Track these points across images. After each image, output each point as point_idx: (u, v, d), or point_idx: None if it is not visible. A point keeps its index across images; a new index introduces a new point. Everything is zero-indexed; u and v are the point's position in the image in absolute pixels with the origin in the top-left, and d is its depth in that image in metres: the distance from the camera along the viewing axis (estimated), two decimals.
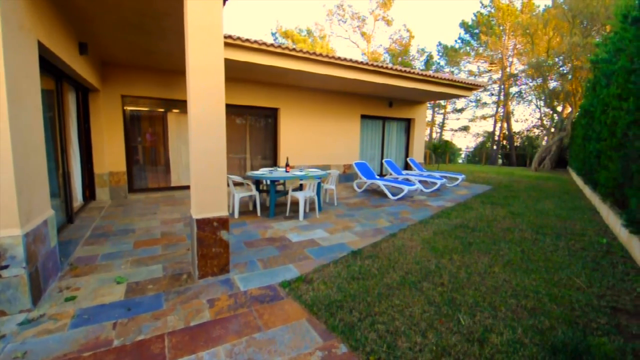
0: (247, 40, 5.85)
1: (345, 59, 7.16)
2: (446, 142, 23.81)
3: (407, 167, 11.83)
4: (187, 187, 7.56)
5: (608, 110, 5.27)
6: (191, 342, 2.12)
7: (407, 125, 12.15)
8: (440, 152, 20.01)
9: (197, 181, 2.99)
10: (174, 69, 6.84)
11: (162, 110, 7.39)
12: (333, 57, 6.97)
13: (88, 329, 2.26)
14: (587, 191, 8.05)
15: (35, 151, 2.80)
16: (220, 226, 3.09)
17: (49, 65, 4.06)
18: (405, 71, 8.25)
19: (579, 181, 10.16)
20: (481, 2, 25.89)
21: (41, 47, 3.27)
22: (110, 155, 6.65)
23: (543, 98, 21.45)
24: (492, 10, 25.37)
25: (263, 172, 5.99)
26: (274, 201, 5.53)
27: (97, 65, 6.06)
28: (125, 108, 6.89)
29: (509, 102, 25.76)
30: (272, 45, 6.14)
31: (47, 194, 3.04)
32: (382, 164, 11.47)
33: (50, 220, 3.01)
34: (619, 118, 4.52)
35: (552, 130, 20.50)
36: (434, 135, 32.26)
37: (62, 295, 2.70)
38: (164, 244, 4.06)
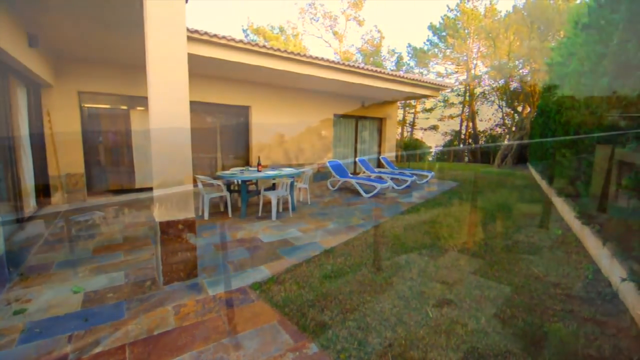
0: (215, 35, 5.67)
1: (318, 58, 7.14)
2: (416, 140, 24.55)
3: (379, 165, 12.03)
4: None
5: (562, 110, 5.64)
6: (154, 352, 2.02)
7: (380, 124, 12.36)
8: (411, 150, 20.59)
9: (160, 182, 2.85)
10: (137, 63, 6.48)
11: (125, 107, 7.00)
12: (305, 56, 6.92)
13: (40, 343, 2.09)
14: (544, 185, 8.59)
15: None
16: (186, 229, 2.97)
17: None
18: (377, 71, 8.37)
19: (537, 176, 10.82)
20: (448, 6, 26.88)
21: None
22: (67, 156, 6.19)
23: (505, 99, 22.68)
24: (458, 14, 26.40)
25: (234, 172, 5.85)
26: (246, 201, 5.41)
27: (50, 59, 5.63)
28: (83, 105, 6.45)
29: (474, 103, 26.98)
30: (241, 41, 5.98)
31: None
32: (355, 163, 11.59)
33: None
34: (572, 117, 4.84)
35: (513, 129, 21.69)
36: (405, 134, 33.08)
37: (10, 309, 2.48)
38: (127, 249, 3.84)
